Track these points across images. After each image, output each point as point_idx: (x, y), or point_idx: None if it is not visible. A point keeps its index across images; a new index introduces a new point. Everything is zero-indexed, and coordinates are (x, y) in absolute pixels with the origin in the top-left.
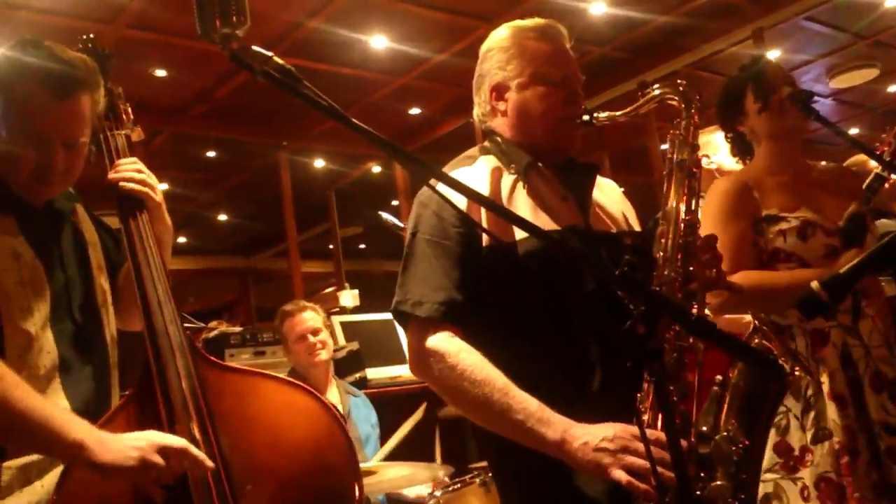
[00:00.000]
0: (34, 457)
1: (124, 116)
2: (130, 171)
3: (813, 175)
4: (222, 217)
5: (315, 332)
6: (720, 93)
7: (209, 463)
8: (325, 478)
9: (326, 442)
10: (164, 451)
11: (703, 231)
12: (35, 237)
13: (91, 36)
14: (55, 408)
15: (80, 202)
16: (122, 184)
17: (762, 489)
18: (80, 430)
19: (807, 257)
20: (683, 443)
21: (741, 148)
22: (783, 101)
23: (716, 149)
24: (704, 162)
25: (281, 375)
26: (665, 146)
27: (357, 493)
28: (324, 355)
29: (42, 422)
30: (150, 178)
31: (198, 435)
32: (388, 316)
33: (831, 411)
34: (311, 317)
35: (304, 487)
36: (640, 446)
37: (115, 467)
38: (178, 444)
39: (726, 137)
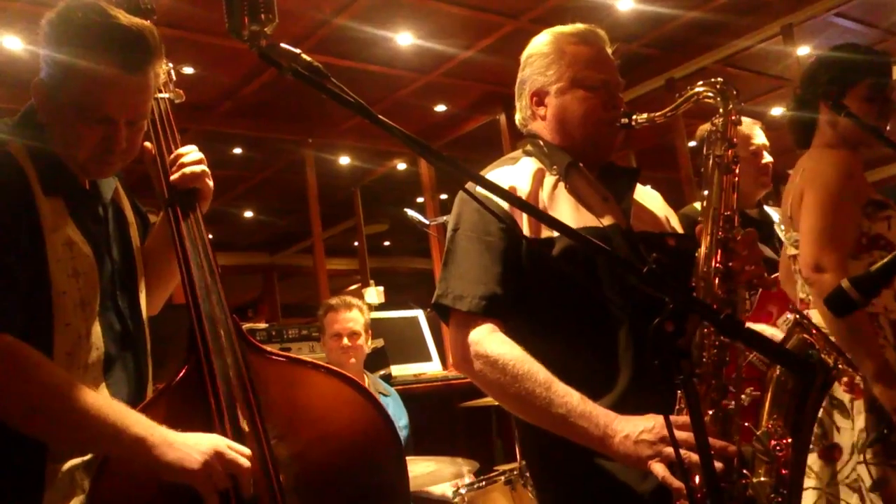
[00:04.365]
0: (77, 461)
1: (167, 78)
2: (194, 161)
3: None
4: (248, 214)
5: (353, 336)
6: (827, 56)
7: (251, 489)
8: (372, 471)
9: (373, 435)
10: (227, 463)
11: (815, 204)
12: (84, 221)
13: None
14: (113, 403)
15: (119, 179)
16: (186, 175)
17: (862, 472)
18: (141, 425)
19: None
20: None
21: (805, 131)
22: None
23: None
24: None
25: (328, 365)
26: (692, 143)
27: (403, 486)
28: (353, 360)
29: (101, 418)
30: (205, 163)
31: (245, 425)
32: (412, 313)
33: None
34: (351, 317)
35: (351, 480)
36: (683, 436)
37: (178, 468)
38: (244, 463)
39: (797, 113)
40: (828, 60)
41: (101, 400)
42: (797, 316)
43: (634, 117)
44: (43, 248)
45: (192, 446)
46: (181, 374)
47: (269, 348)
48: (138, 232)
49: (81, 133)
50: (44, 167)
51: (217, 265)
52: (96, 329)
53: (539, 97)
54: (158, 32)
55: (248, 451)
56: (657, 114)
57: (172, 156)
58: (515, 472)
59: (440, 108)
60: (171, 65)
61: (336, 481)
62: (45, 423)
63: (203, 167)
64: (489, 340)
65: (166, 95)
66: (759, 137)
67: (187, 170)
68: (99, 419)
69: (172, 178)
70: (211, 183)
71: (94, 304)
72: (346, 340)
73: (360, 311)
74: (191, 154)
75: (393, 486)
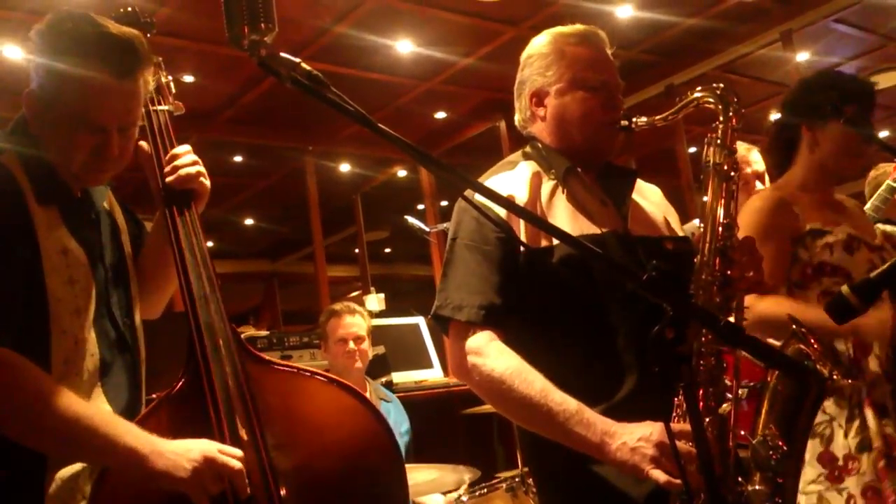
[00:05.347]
0: (78, 467)
1: (166, 90)
2: (189, 163)
3: (837, 199)
4: (249, 221)
5: (357, 340)
6: (812, 79)
7: (247, 491)
8: (371, 479)
9: (372, 444)
10: (218, 467)
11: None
12: (77, 229)
13: (130, 9)
14: (103, 414)
15: (110, 188)
16: (182, 177)
17: (805, 501)
18: (132, 436)
19: (853, 271)
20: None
21: (784, 152)
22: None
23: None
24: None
25: (327, 374)
26: (693, 149)
27: (402, 495)
28: (359, 364)
29: (91, 430)
30: (201, 164)
31: (244, 434)
32: (414, 320)
33: (871, 419)
34: (356, 322)
35: (351, 489)
36: (679, 446)
37: (169, 476)
38: (234, 465)
39: (778, 134)
40: (813, 84)
41: (93, 410)
42: (794, 326)
43: (634, 120)
44: (38, 256)
45: (181, 454)
46: (180, 384)
47: (269, 356)
48: (134, 238)
49: (74, 142)
50: (37, 176)
51: (216, 273)
52: (91, 336)
53: (538, 98)
54: (156, 42)
55: (238, 452)
56: (657, 117)
57: (168, 156)
58: (517, 479)
59: (440, 115)
60: (170, 77)
61: (335, 491)
62: (37, 436)
63: (198, 168)
64: (487, 349)
65: (166, 107)
66: (753, 165)
67: (182, 171)
68: (90, 431)
69: (168, 179)
70: (207, 182)
71: (89, 311)
72: (351, 344)
73: (362, 317)
74: (185, 155)
75: (392, 494)
